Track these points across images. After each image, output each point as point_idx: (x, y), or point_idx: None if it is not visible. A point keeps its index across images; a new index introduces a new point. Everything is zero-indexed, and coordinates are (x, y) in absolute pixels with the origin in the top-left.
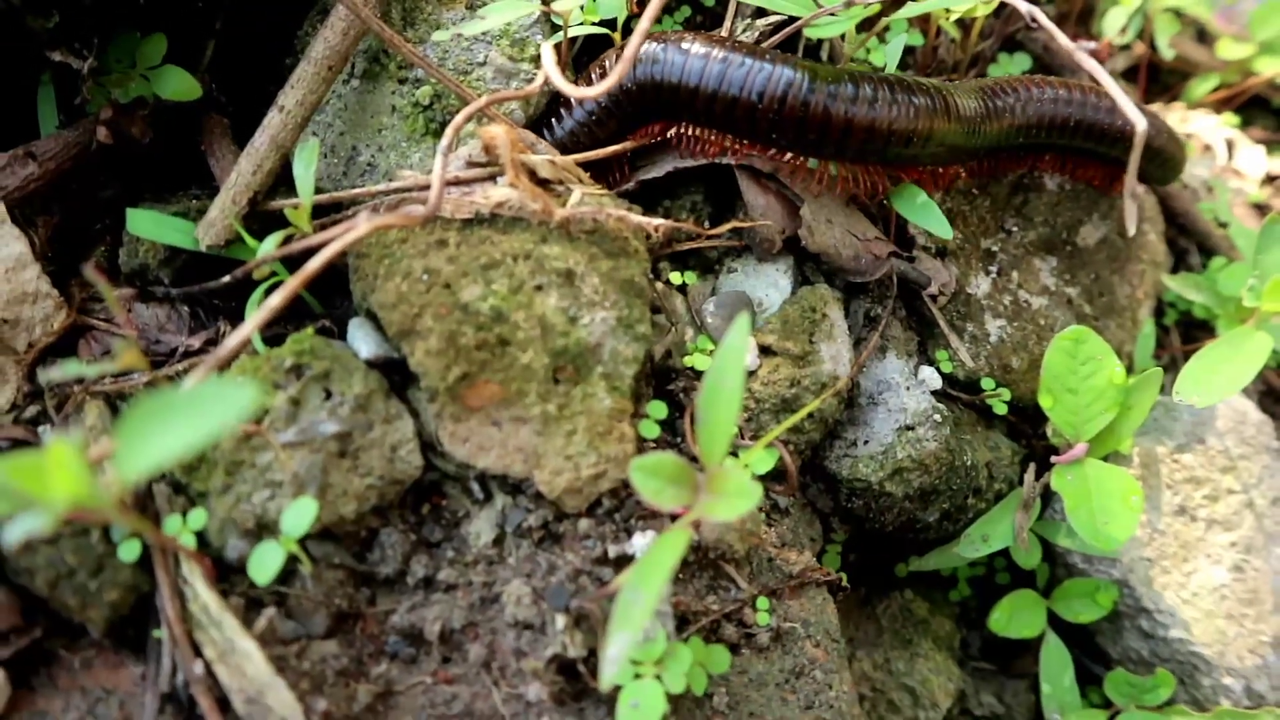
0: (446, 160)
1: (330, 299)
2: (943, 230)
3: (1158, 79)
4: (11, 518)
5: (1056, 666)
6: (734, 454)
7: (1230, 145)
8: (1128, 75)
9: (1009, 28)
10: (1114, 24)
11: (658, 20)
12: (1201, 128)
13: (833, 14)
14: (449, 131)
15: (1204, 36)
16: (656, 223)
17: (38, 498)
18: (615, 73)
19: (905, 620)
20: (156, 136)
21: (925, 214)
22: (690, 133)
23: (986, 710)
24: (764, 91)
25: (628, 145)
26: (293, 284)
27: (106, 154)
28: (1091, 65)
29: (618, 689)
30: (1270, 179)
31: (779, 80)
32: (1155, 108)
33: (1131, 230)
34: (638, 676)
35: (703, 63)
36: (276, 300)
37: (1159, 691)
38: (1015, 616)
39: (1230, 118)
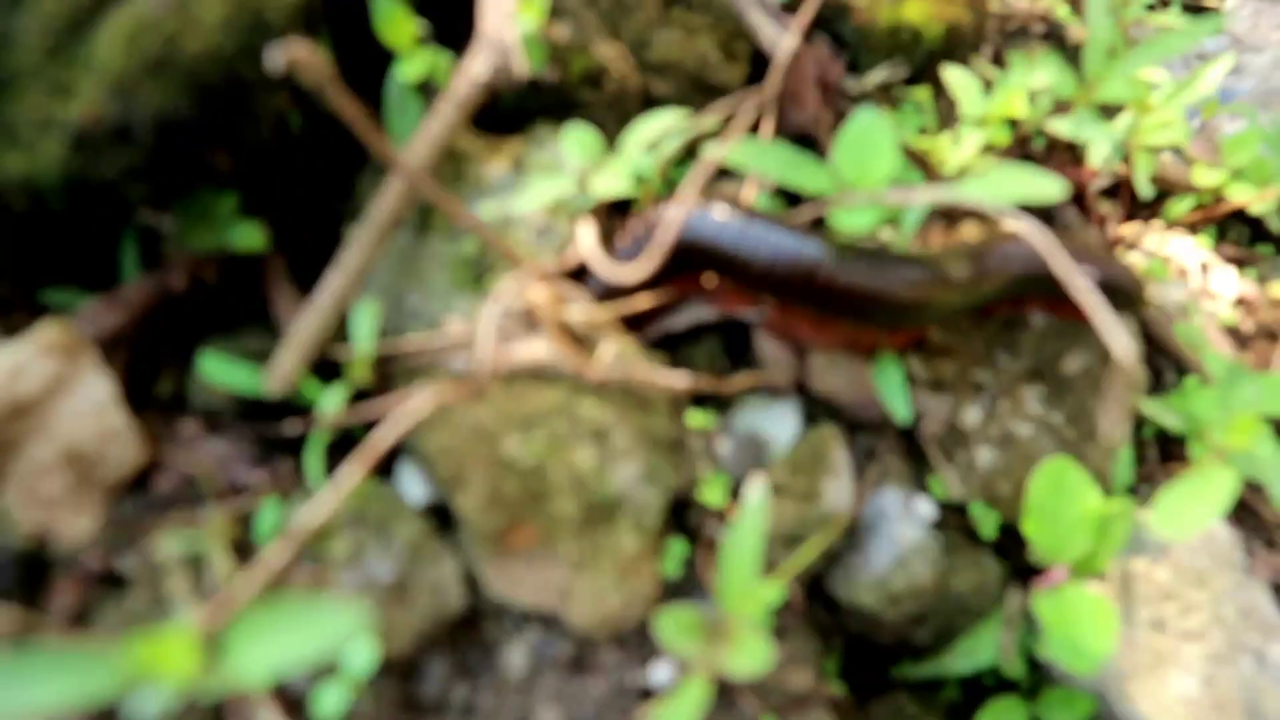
0: (495, 336)
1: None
2: (903, 414)
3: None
4: (129, 692)
5: None
6: None
7: (1205, 268)
8: (1110, 192)
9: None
10: (1099, 154)
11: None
12: (1177, 250)
13: (861, 202)
14: (494, 305)
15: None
16: (681, 383)
17: (157, 676)
18: (648, 258)
19: None
20: (221, 276)
21: (895, 394)
22: (717, 287)
23: None
24: (793, 261)
25: (660, 301)
26: (361, 466)
27: (178, 295)
28: (1086, 297)
29: None
30: (1240, 301)
31: (806, 252)
32: (1135, 225)
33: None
34: None
35: (737, 230)
36: (349, 483)
37: None
38: None
39: (1205, 239)
